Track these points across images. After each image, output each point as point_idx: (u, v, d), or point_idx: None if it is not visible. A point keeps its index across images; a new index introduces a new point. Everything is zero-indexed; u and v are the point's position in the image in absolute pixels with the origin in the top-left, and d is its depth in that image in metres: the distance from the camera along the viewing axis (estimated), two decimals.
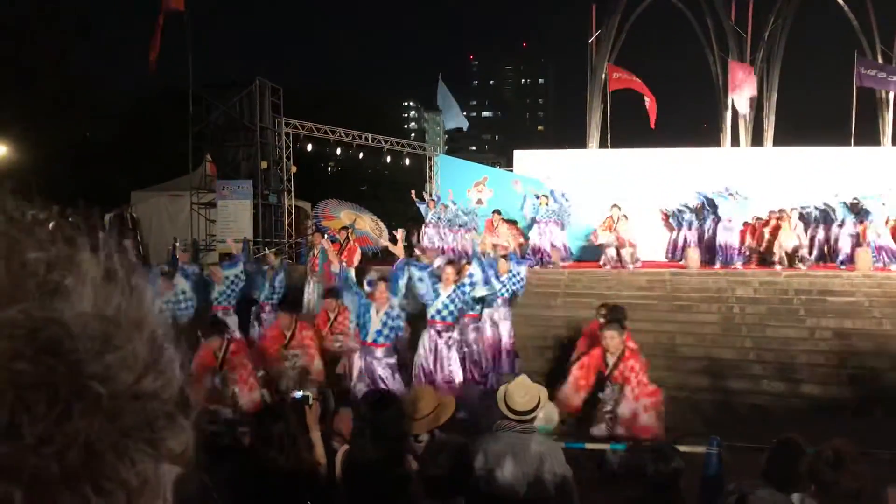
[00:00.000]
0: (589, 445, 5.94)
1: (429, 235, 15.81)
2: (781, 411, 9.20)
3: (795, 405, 9.43)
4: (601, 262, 15.49)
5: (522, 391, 4.12)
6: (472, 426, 6.06)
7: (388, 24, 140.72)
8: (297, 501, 3.48)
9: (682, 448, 4.32)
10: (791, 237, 14.97)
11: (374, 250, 16.42)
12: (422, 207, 16.55)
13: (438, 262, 10.45)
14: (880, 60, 22.60)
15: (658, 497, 3.70)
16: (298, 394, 4.02)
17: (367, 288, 8.48)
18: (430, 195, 17.25)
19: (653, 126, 22.57)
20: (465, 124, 22.43)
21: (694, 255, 14.69)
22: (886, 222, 14.84)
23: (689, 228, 16.26)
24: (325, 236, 15.35)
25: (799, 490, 3.43)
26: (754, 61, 23.43)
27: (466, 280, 8.69)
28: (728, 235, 14.80)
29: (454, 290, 8.64)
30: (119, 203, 19.97)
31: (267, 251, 14.71)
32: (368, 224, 15.27)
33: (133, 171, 26.92)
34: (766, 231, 15.71)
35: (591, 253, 16.71)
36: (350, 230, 13.66)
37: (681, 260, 15.79)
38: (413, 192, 17.27)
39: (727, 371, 10.42)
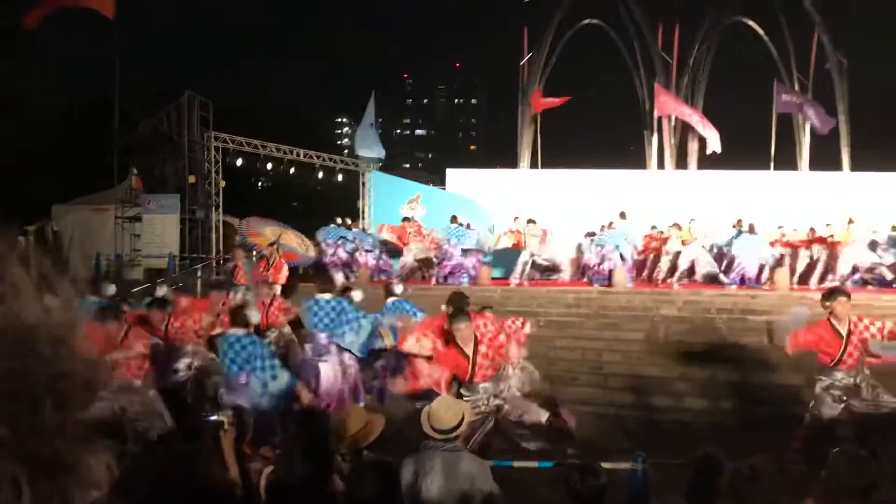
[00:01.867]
0: (517, 463, 5.96)
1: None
2: (705, 427, 9.40)
3: (718, 421, 9.65)
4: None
5: (446, 409, 4.12)
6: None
7: (324, 40, 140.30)
8: None
9: (607, 465, 4.38)
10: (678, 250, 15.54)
11: (301, 264, 16.26)
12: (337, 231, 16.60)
13: (399, 288, 10.46)
14: (797, 87, 23.58)
15: None
16: (213, 417, 3.93)
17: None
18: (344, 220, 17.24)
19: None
20: (380, 154, 22.23)
21: (620, 275, 14.97)
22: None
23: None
24: (254, 253, 15.15)
25: None
26: (680, 86, 24.18)
27: None
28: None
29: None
30: (40, 217, 19.34)
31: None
32: (294, 240, 15.11)
33: (55, 184, 26.06)
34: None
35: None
36: (276, 246, 13.47)
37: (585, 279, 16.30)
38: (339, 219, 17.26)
39: (652, 388, 10.61)
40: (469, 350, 6.77)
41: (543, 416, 6.89)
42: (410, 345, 7.55)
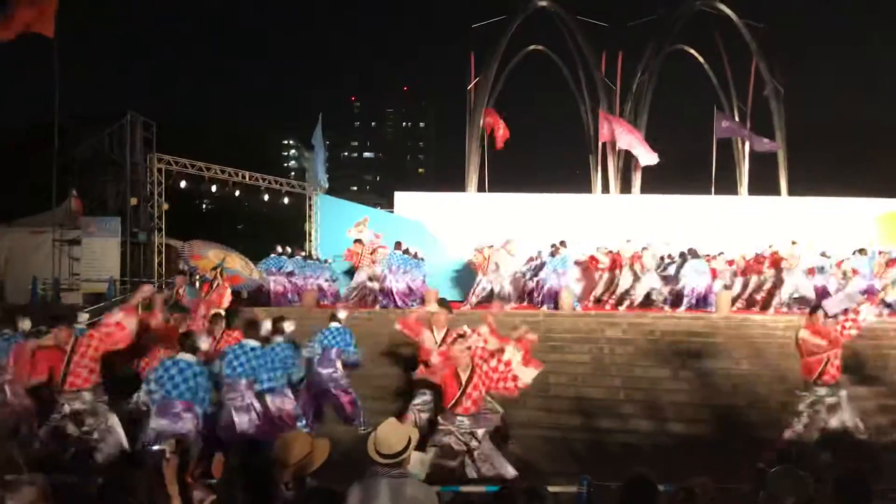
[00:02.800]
0: (464, 488, 5.93)
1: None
2: (650, 449, 9.49)
3: (662, 442, 9.76)
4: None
5: (392, 433, 4.08)
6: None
7: (269, 61, 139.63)
8: None
9: (553, 488, 4.38)
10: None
11: (246, 287, 16.01)
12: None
13: (342, 314, 10.45)
14: (736, 115, 24.25)
15: None
16: (156, 446, 3.84)
17: None
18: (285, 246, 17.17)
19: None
20: (324, 184, 22.23)
21: (567, 297, 15.09)
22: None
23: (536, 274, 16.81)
24: (196, 277, 14.88)
25: None
26: (623, 112, 24.66)
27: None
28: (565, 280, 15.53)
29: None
30: None
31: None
32: (238, 262, 14.90)
33: None
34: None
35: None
36: (219, 269, 13.25)
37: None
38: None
39: (598, 410, 10.69)
40: (464, 375, 6.74)
41: (511, 473, 6.69)
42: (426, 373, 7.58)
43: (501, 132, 23.58)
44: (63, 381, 7.28)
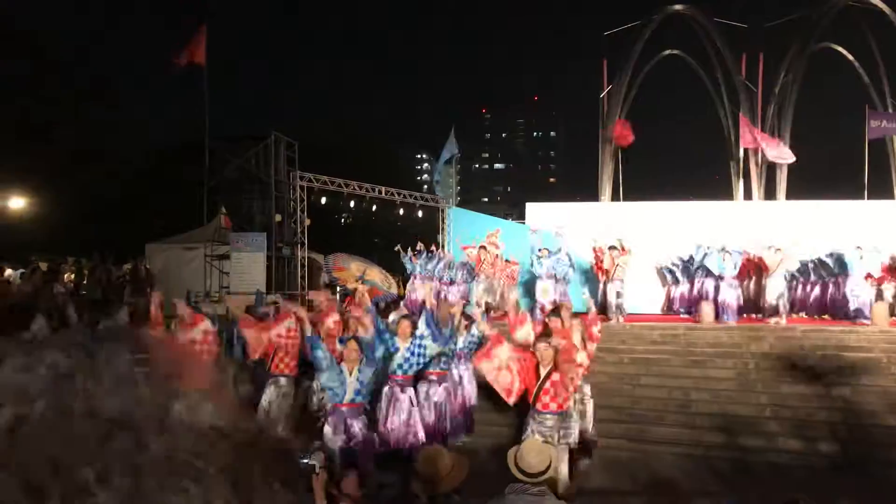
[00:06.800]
0: None
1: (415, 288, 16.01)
2: (798, 470, 9.04)
3: (812, 464, 9.27)
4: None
5: (534, 452, 4.07)
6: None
7: (402, 78, 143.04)
8: None
9: None
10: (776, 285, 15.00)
11: (385, 300, 16.43)
12: (406, 262, 16.68)
13: (393, 316, 10.41)
14: (891, 110, 22.71)
15: None
16: (305, 460, 3.97)
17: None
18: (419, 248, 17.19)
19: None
20: (455, 151, 22.36)
21: (708, 310, 14.61)
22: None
23: (683, 282, 16.39)
24: (338, 289, 15.42)
25: None
26: (765, 116, 23.64)
27: (417, 333, 8.62)
28: (728, 293, 14.85)
29: (412, 343, 8.55)
30: (134, 255, 20.16)
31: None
32: (377, 276, 15.33)
33: (148, 224, 27.24)
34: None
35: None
36: (360, 281, 13.70)
37: (680, 313, 15.98)
38: (399, 246, 17.31)
39: (742, 428, 10.28)
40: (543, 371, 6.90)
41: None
42: (487, 369, 7.61)
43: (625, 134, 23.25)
44: None
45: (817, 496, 3.76)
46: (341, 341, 8.32)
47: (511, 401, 7.41)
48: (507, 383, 7.28)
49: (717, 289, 15.18)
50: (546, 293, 15.14)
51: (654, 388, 11.68)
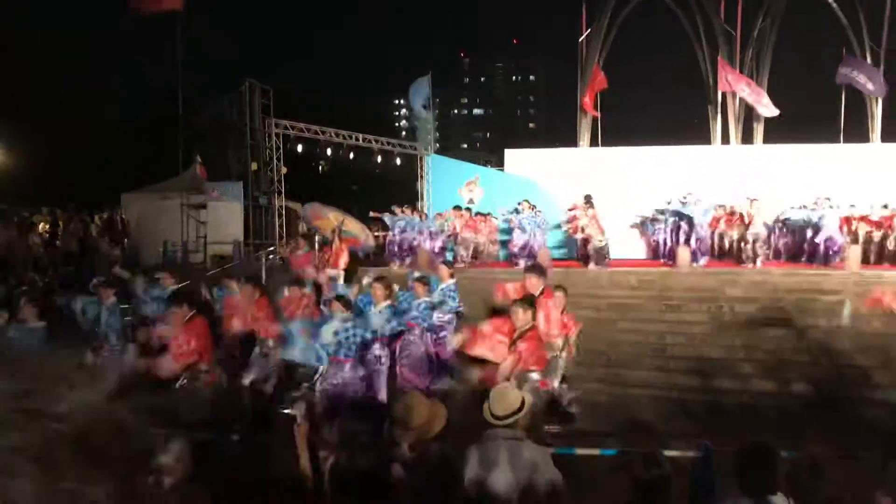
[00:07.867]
0: (579, 451, 5.96)
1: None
2: (771, 411, 9.22)
3: (784, 404, 9.46)
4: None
5: (503, 396, 4.13)
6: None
7: (379, 23, 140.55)
8: None
9: (670, 453, 4.34)
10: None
11: (362, 251, 16.37)
12: (386, 217, 16.64)
13: (366, 280, 10.27)
14: (868, 58, 22.66)
15: (648, 503, 3.69)
16: (286, 410, 4.00)
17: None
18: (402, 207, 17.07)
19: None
20: (426, 93, 22.03)
21: (685, 254, 14.73)
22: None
23: (667, 229, 16.58)
24: (317, 239, 15.35)
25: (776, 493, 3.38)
26: (744, 59, 23.51)
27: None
28: (701, 235, 15.32)
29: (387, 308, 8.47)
30: (109, 205, 19.94)
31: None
32: (355, 226, 15.25)
33: (122, 174, 26.87)
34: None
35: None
36: (338, 230, 13.63)
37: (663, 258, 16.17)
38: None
39: (716, 370, 10.45)
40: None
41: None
42: (481, 351, 7.53)
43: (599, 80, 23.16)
44: None
45: (790, 434, 3.82)
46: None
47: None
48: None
49: (690, 234, 15.41)
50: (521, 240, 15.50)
51: (630, 332, 11.82)
